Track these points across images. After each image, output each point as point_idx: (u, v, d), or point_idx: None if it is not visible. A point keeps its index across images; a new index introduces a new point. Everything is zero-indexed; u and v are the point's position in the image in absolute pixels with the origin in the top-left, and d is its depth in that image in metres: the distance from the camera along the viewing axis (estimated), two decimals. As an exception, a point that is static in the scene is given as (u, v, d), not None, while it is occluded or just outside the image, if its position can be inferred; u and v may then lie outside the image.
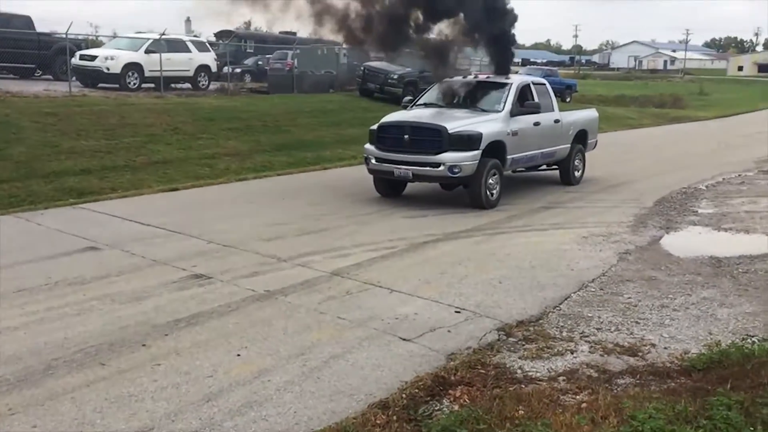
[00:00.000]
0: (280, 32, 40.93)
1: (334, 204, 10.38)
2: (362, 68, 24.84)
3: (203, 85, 23.05)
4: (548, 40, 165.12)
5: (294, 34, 38.29)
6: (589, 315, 5.88)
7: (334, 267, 7.06)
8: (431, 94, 11.91)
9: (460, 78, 12.98)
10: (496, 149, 10.31)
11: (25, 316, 5.55)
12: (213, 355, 4.87)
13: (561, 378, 4.64)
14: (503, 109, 10.74)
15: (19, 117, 14.07)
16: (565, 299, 6.27)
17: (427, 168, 9.94)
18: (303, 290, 6.35)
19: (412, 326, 5.51)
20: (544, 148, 11.66)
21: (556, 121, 12.04)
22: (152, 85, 21.16)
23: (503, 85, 11.31)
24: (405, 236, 8.44)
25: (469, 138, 9.90)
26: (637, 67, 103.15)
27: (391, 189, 11.01)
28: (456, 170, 9.81)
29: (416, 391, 4.37)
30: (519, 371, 4.75)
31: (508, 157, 10.64)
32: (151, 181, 12.01)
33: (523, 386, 4.50)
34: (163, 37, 21.74)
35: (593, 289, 6.58)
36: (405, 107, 11.69)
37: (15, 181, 11.08)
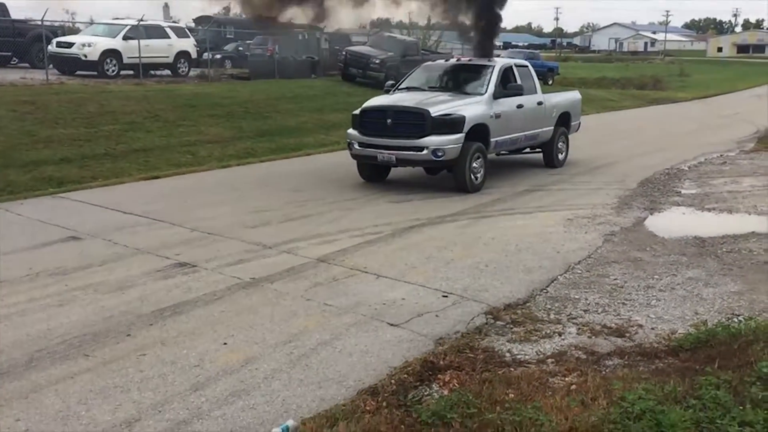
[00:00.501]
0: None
1: (318, 190, 10.31)
2: (344, 53, 24.67)
3: (183, 71, 22.79)
4: (529, 24, 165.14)
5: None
6: (576, 297, 5.89)
7: (320, 253, 7.01)
8: (413, 78, 11.79)
9: (442, 61, 12.89)
10: (479, 132, 10.26)
11: (7, 308, 5.45)
12: (199, 344, 4.82)
13: (549, 360, 4.64)
14: (486, 91, 10.67)
15: (-5, 106, 13.81)
16: (552, 282, 6.28)
17: (411, 152, 9.88)
18: (289, 277, 6.29)
19: (400, 311, 5.48)
20: (527, 130, 11.59)
21: (539, 103, 11.99)
22: (131, 72, 20.90)
23: (486, 68, 11.23)
24: (390, 221, 8.40)
25: (453, 121, 9.84)
26: (617, 50, 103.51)
27: (374, 174, 10.93)
28: (440, 154, 9.74)
29: (405, 376, 4.35)
30: (507, 354, 4.75)
31: (492, 139, 10.59)
32: (132, 169, 11.86)
33: (512, 369, 4.49)
34: (141, 23, 21.44)
35: (579, 271, 6.59)
36: (387, 91, 11.58)
37: (-8, 171, 10.89)
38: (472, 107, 10.26)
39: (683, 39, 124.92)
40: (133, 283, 6.06)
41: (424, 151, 9.78)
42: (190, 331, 5.04)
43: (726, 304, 5.69)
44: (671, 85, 38.19)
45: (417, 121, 9.82)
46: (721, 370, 4.16)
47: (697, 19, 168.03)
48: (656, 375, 4.28)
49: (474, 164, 10.14)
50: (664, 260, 6.93)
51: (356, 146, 10.45)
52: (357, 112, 10.60)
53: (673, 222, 8.71)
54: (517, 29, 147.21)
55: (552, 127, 12.36)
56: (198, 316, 5.33)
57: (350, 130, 10.68)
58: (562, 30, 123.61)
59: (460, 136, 9.85)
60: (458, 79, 11.36)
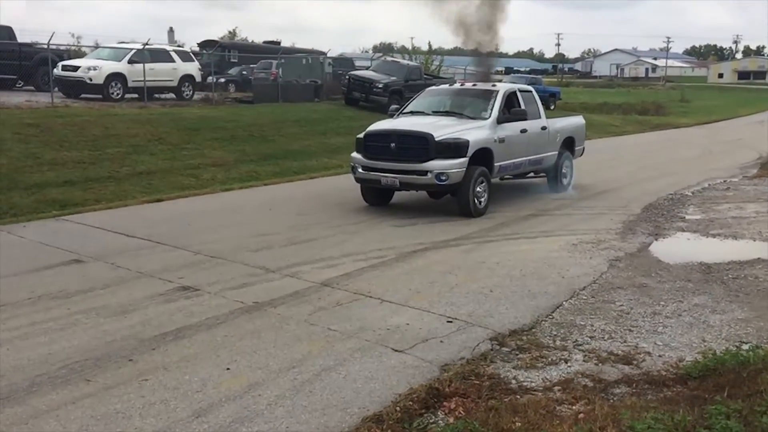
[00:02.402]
0: (264, 41, 40.96)
1: (321, 213, 10.30)
2: (347, 77, 24.84)
3: (187, 95, 22.92)
4: (531, 49, 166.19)
5: (278, 43, 38.34)
6: (582, 323, 5.84)
7: (324, 277, 6.97)
8: (418, 103, 11.84)
9: (446, 86, 12.96)
10: (483, 157, 10.27)
11: (8, 331, 5.41)
12: (202, 369, 4.77)
13: (556, 388, 4.58)
14: (490, 116, 10.70)
15: (1, 128, 13.88)
16: (557, 307, 6.23)
17: (414, 176, 9.90)
18: (292, 301, 6.25)
19: (404, 337, 5.44)
20: (531, 155, 11.59)
21: (543, 128, 11.98)
22: (136, 96, 21.02)
23: (490, 93, 11.26)
24: (394, 245, 8.37)
25: (456, 145, 9.86)
26: (619, 75, 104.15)
27: (378, 198, 10.93)
28: (443, 178, 9.75)
29: (410, 403, 4.28)
30: (513, 381, 4.69)
31: (496, 164, 10.58)
32: (136, 192, 11.88)
33: (519, 397, 4.43)
34: (147, 47, 21.60)
35: (585, 297, 6.54)
36: (391, 116, 11.59)
37: (-4, 193, 10.90)
38: (475, 132, 10.27)
39: (684, 65, 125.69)
40: (135, 307, 6.02)
41: (428, 175, 9.79)
42: (192, 356, 4.99)
43: (733, 331, 5.63)
44: (673, 111, 38.37)
45: (421, 145, 9.85)
46: (731, 399, 4.10)
47: (697, 45, 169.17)
48: (665, 404, 4.22)
49: (477, 188, 10.13)
50: (669, 286, 6.88)
51: (360, 170, 10.47)
52: (361, 135, 10.63)
53: (678, 247, 8.67)
54: (519, 54, 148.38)
55: (556, 152, 12.34)
56: (200, 341, 5.28)
57: (354, 154, 10.69)
58: (564, 55, 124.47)
59: (464, 160, 9.87)
60: (462, 104, 11.38)
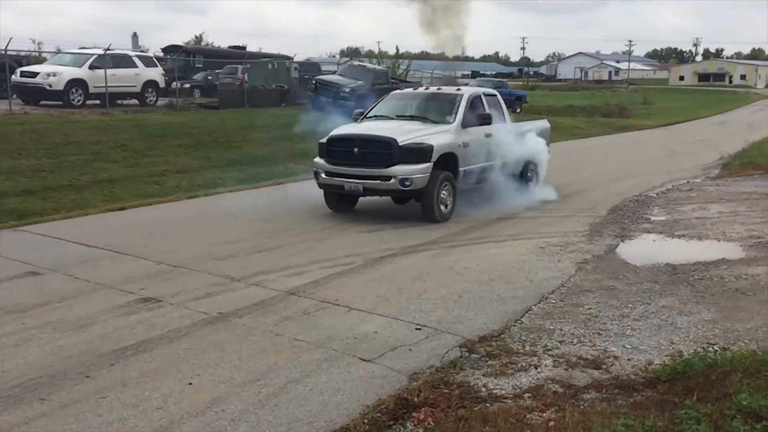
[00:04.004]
0: (230, 46, 40.58)
1: (288, 220, 10.15)
2: (314, 81, 24.69)
3: (151, 101, 22.58)
4: (497, 53, 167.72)
5: (244, 48, 37.98)
6: (551, 327, 5.80)
7: (290, 285, 6.84)
8: (382, 107, 11.68)
9: (410, 90, 12.83)
10: (448, 161, 10.15)
11: (-42, 349, 5.18)
12: (163, 385, 4.60)
13: (526, 395, 4.52)
14: (455, 120, 10.58)
15: (-45, 136, 13.47)
16: (527, 312, 6.19)
17: (378, 181, 9.74)
18: (258, 311, 6.11)
19: (372, 346, 5.33)
20: (496, 159, 11.42)
21: (508, 132, 11.82)
22: (97, 102, 20.62)
23: (454, 97, 11.14)
24: (362, 251, 8.27)
25: (420, 150, 9.71)
26: (583, 78, 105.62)
27: (342, 204, 10.76)
28: (407, 183, 9.62)
29: (378, 415, 4.19)
30: (483, 389, 4.62)
31: (461, 168, 10.47)
32: (97, 200, 11.58)
33: (489, 405, 4.36)
34: (108, 52, 21.21)
35: (553, 301, 6.51)
36: (356, 120, 11.43)
37: (-50, 203, 10.55)
38: (440, 136, 10.14)
39: (646, 68, 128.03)
40: (94, 321, 5.82)
41: (392, 181, 9.65)
42: (153, 371, 4.83)
43: (701, 333, 5.65)
44: (636, 113, 38.96)
45: (384, 150, 9.69)
46: (701, 403, 4.09)
47: (659, 48, 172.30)
48: (635, 409, 4.19)
49: (442, 193, 10.01)
50: (637, 288, 6.89)
51: (323, 175, 10.27)
52: (324, 140, 10.42)
53: (645, 249, 8.72)
54: (485, 58, 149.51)
55: (522, 158, 12.10)
56: (162, 355, 5.12)
57: (317, 159, 10.50)
58: (529, 59, 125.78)
59: (428, 165, 9.73)
60: (427, 108, 11.22)
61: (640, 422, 3.83)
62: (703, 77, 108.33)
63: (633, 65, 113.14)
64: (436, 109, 11.08)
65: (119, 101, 21.75)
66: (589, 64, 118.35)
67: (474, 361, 5.10)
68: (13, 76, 19.63)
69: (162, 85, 23.27)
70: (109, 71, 20.40)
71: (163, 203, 11.74)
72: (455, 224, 9.97)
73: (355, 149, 9.85)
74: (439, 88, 11.97)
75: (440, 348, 5.31)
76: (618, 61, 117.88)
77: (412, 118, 10.95)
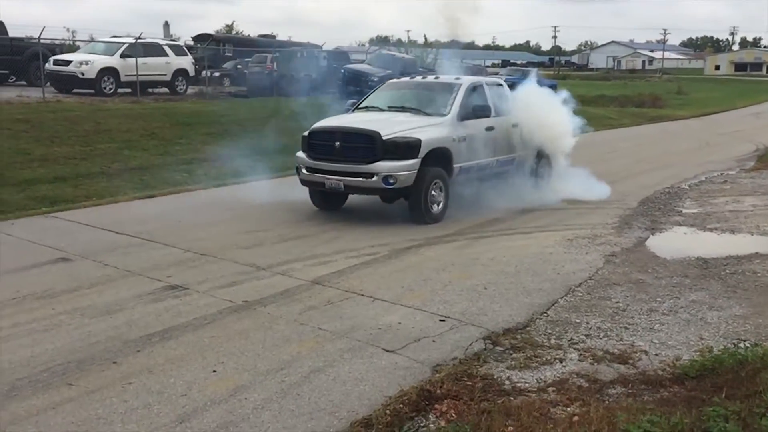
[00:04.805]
0: (259, 35, 40.73)
1: (313, 210, 10.16)
2: (343, 71, 24.68)
3: (181, 89, 22.79)
4: (528, 42, 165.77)
5: (273, 37, 38.13)
6: (577, 321, 5.73)
7: (315, 275, 6.85)
8: (374, 97, 10.87)
9: (406, 79, 12.02)
10: (440, 157, 9.30)
11: (-10, 333, 5.28)
12: (187, 372, 4.65)
13: (550, 389, 4.47)
14: (449, 112, 9.69)
15: (-10, 124, 13.73)
16: (552, 305, 6.12)
17: (360, 178, 8.94)
18: (282, 300, 6.13)
19: (396, 336, 5.32)
20: (499, 155, 10.50)
21: (515, 125, 10.84)
22: (128, 90, 20.87)
23: (451, 87, 10.23)
24: (386, 242, 8.25)
25: (406, 145, 8.89)
26: (615, 68, 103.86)
27: (328, 201, 9.98)
28: (391, 181, 8.79)
29: (401, 406, 4.17)
30: (507, 382, 4.58)
31: (455, 165, 9.54)
32: (127, 188, 11.72)
33: (512, 399, 4.33)
34: (140, 41, 21.44)
35: (580, 294, 6.43)
36: (348, 111, 10.75)
37: (-15, 190, 10.76)
38: (430, 129, 9.32)
39: (681, 57, 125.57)
40: (121, 307, 5.90)
41: (375, 178, 8.83)
42: (178, 358, 4.87)
43: (731, 328, 5.54)
44: (670, 103, 38.21)
45: (367, 144, 8.90)
46: (729, 400, 4.00)
47: (694, 37, 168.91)
48: (661, 405, 4.12)
49: (432, 192, 9.19)
50: (666, 282, 6.78)
51: (304, 171, 9.55)
52: (306, 133, 9.70)
53: (675, 242, 8.57)
54: (516, 47, 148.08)
55: (532, 152, 11.16)
56: (187, 342, 5.16)
57: (299, 153, 9.77)
58: (561, 48, 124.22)
59: (415, 161, 8.92)
60: (421, 99, 10.37)
61: (667, 419, 3.76)
62: (740, 67, 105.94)
63: (667, 54, 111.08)
64: (432, 100, 10.23)
65: (150, 90, 21.98)
66: (622, 53, 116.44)
67: (498, 353, 5.06)
68: (47, 65, 19.95)
69: (192, 73, 23.48)
70: (140, 60, 20.63)
71: (191, 191, 11.84)
72: (481, 215, 9.80)
73: (336, 143, 9.10)
74: (437, 77, 11.21)
75: (464, 340, 5.28)
76: (652, 50, 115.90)
77: (404, 109, 10.12)
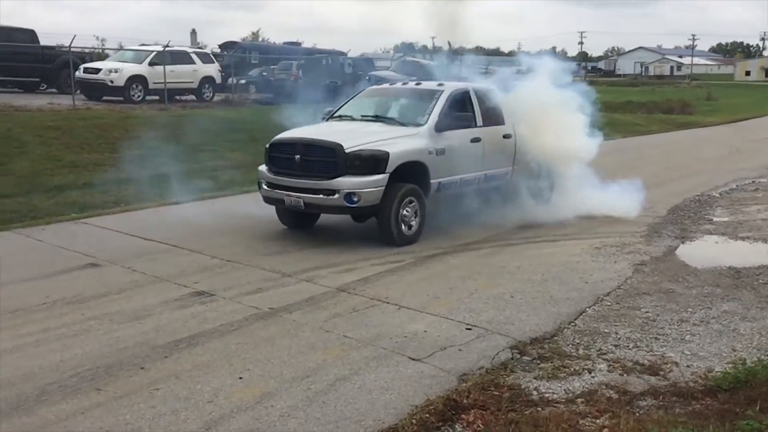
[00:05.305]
0: (285, 42, 41.04)
1: (337, 217, 10.11)
2: (368, 77, 24.73)
3: (207, 96, 23.00)
4: (554, 47, 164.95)
5: (299, 44, 38.39)
6: (606, 331, 5.65)
7: (340, 282, 6.85)
8: (349, 105, 9.97)
9: (386, 85, 11.25)
10: (413, 172, 8.44)
11: (21, 338, 5.35)
12: (214, 379, 4.66)
13: (579, 400, 4.41)
14: (426, 122, 8.77)
15: (23, 131, 14.01)
16: (580, 314, 6.05)
17: (321, 196, 8.11)
18: (308, 307, 6.14)
19: (422, 345, 5.29)
20: (488, 169, 9.51)
21: (507, 136, 9.87)
22: (156, 98, 21.11)
23: (432, 94, 9.32)
24: (412, 249, 8.21)
25: (372, 158, 8.03)
26: (643, 73, 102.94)
27: (296, 220, 9.14)
28: (355, 199, 7.96)
29: (427, 416, 4.15)
30: (534, 393, 4.53)
31: (433, 181, 8.65)
32: (155, 194, 11.83)
33: (540, 409, 4.28)
34: (167, 49, 21.71)
35: (609, 303, 6.35)
36: (324, 119, 9.99)
37: (17, 195, 10.95)
38: (402, 141, 8.43)
39: (710, 63, 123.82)
40: (149, 313, 5.94)
41: (336, 195, 8.01)
42: (205, 364, 4.90)
43: (765, 339, 5.43)
44: (699, 110, 37.69)
45: (328, 158, 8.10)
46: (763, 414, 3.93)
47: (724, 43, 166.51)
48: (693, 418, 4.04)
49: (404, 211, 8.29)
50: (697, 292, 6.67)
51: (264, 186, 8.80)
52: (267, 145, 8.99)
53: (706, 251, 8.43)
54: (542, 53, 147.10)
55: (526, 165, 10.16)
56: (214, 348, 5.19)
57: (261, 167, 9.04)
58: (587, 54, 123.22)
59: (382, 177, 8.05)
60: (398, 108, 9.58)
61: (699, 432, 3.69)
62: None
63: (696, 60, 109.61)
64: (409, 109, 9.42)
65: (177, 97, 22.22)
66: (649, 59, 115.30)
67: (525, 363, 5.01)
68: (77, 73, 20.27)
69: (218, 81, 23.70)
70: (168, 67, 20.88)
71: (217, 198, 11.92)
72: (507, 222, 9.68)
73: (297, 156, 8.31)
74: (418, 83, 10.22)
75: (491, 349, 5.23)
76: (680, 56, 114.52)
77: (377, 118, 9.32)
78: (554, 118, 9.75)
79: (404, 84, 10.52)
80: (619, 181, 10.81)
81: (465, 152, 9.07)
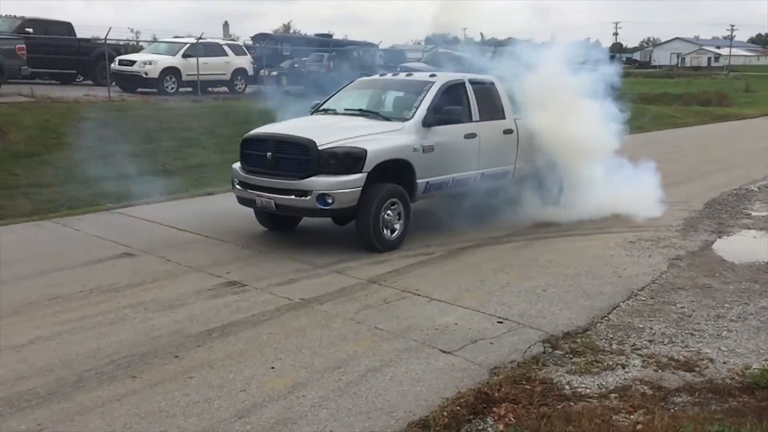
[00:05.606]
0: (316, 34, 41.13)
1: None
2: (399, 69, 24.65)
3: (240, 88, 23.16)
4: (588, 38, 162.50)
5: (330, 36, 38.42)
6: (640, 326, 5.58)
7: (371, 274, 6.86)
8: (336, 98, 9.34)
9: (376, 77, 10.48)
10: (397, 171, 7.78)
11: (59, 325, 5.46)
12: (246, 368, 4.71)
13: (612, 395, 4.36)
14: (413, 116, 8.07)
15: (60, 122, 14.26)
16: (614, 309, 5.97)
17: (292, 197, 7.46)
18: (339, 298, 6.16)
19: (453, 337, 5.28)
20: (485, 167, 8.75)
21: (508, 131, 9.16)
22: (189, 89, 21.33)
23: (422, 86, 8.59)
24: (442, 242, 8.18)
25: (347, 156, 7.38)
26: (679, 65, 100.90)
27: (276, 221, 8.47)
28: (329, 200, 7.31)
29: (458, 408, 4.14)
30: (567, 387, 4.49)
31: (420, 181, 7.97)
32: (188, 185, 11.98)
33: (572, 404, 4.24)
34: (200, 41, 21.90)
35: (643, 298, 6.26)
36: (310, 112, 9.33)
37: (54, 185, 11.17)
38: (384, 138, 7.77)
39: (749, 54, 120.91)
40: (183, 302, 6.02)
41: (309, 197, 7.38)
42: (237, 354, 4.95)
43: (805, 337, 5.29)
44: (737, 102, 36.88)
45: (301, 156, 7.46)
46: (803, 413, 3.83)
47: (763, 33, 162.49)
48: (730, 415, 3.97)
49: (386, 214, 7.63)
50: (734, 287, 6.54)
51: (237, 186, 8.21)
52: (241, 140, 8.41)
53: (744, 246, 8.27)
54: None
55: (531, 163, 9.46)
56: (246, 338, 5.24)
57: (235, 165, 8.43)
58: (622, 45, 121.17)
59: (359, 177, 7.39)
60: (386, 101, 9.00)
61: (736, 429, 3.64)
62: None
63: (734, 51, 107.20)
64: (396, 102, 8.85)
65: (210, 89, 22.43)
66: (686, 50, 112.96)
67: (557, 357, 4.97)
68: (112, 65, 20.59)
69: (251, 72, 23.85)
70: (201, 59, 21.08)
71: (250, 189, 11.99)
72: (537, 215, 9.55)
73: (268, 154, 7.68)
74: (409, 74, 9.60)
75: (522, 342, 5.20)
76: (718, 47, 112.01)
77: (362, 112, 8.66)
78: (562, 109, 9.07)
79: (395, 75, 9.85)
80: (648, 175, 10.39)
81: (458, 149, 8.39)
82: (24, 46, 18.23)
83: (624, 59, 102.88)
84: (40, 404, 4.18)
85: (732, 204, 10.61)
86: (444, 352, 5.01)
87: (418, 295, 6.26)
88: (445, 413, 4.07)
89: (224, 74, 22.68)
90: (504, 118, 9.22)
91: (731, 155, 17.01)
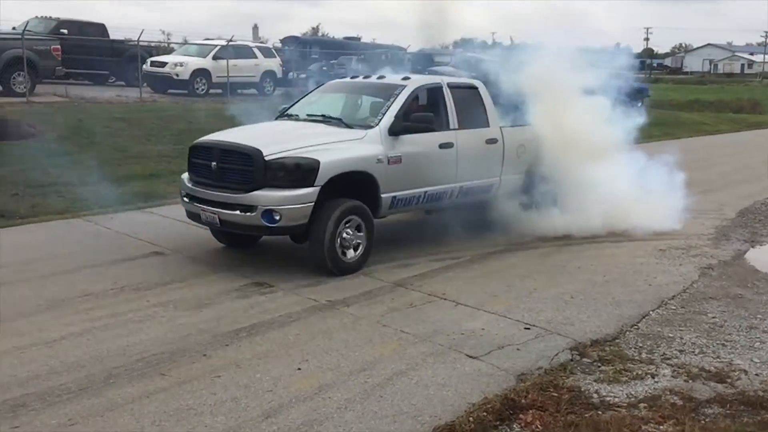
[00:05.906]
0: (344, 37, 41.29)
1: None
2: (426, 73, 24.64)
3: (268, 90, 23.33)
4: (618, 44, 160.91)
5: (358, 39, 38.54)
6: (671, 335, 5.50)
7: (397, 277, 6.86)
8: (302, 102, 8.64)
9: (347, 79, 9.48)
10: (356, 185, 7.07)
11: (91, 321, 5.54)
12: (273, 368, 4.74)
13: (642, 405, 4.31)
14: (378, 123, 7.32)
15: (92, 122, 14.48)
16: (644, 317, 5.90)
17: (237, 212, 6.71)
18: (365, 301, 6.17)
19: (479, 342, 5.26)
20: (464, 180, 8.02)
21: (492, 141, 8.41)
22: (219, 91, 21.54)
23: (392, 89, 7.80)
24: (468, 246, 8.13)
25: (296, 168, 6.62)
26: (712, 71, 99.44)
27: (232, 236, 7.64)
28: (276, 217, 6.56)
29: (484, 414, 4.12)
30: (595, 395, 4.45)
31: (385, 195, 7.24)
32: (217, 185, 12.08)
33: (601, 413, 4.19)
34: (231, 43, 22.13)
35: (674, 307, 6.17)
36: (276, 117, 8.66)
37: (86, 185, 11.33)
38: (341, 147, 7.03)
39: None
40: (211, 301, 6.08)
41: (254, 212, 6.62)
42: (264, 354, 4.98)
43: (841, 350, 5.18)
44: (771, 109, 36.24)
45: (246, 166, 6.73)
46: (839, 428, 3.75)
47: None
48: (762, 428, 3.91)
49: (344, 233, 6.89)
50: (767, 298, 6.42)
51: (184, 197, 7.54)
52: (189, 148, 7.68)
53: (778, 256, 8.11)
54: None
55: (519, 175, 8.75)
56: (273, 339, 5.27)
57: (183, 175, 7.70)
58: (653, 51, 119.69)
59: (311, 191, 6.62)
60: (352, 105, 8.36)
61: (770, 444, 3.55)
62: None
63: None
64: (364, 108, 8.24)
65: (239, 90, 22.64)
66: (719, 56, 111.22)
67: (585, 365, 4.92)
68: (144, 66, 20.89)
69: (279, 75, 24.03)
70: (231, 62, 21.30)
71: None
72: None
73: (213, 163, 6.97)
74: (380, 77, 8.56)
75: (550, 349, 5.16)
76: (752, 53, 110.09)
77: (324, 119, 7.83)
78: (555, 113, 8.55)
79: (366, 77, 8.76)
80: (672, 185, 9.85)
81: (430, 161, 7.61)
82: (59, 46, 18.58)
83: (655, 65, 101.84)
84: (70, 399, 4.24)
85: (765, 213, 10.43)
86: (470, 357, 5.00)
87: (444, 299, 6.24)
88: (471, 418, 4.06)
89: (253, 76, 22.88)
90: (488, 126, 8.47)
91: (765, 164, 16.67)
